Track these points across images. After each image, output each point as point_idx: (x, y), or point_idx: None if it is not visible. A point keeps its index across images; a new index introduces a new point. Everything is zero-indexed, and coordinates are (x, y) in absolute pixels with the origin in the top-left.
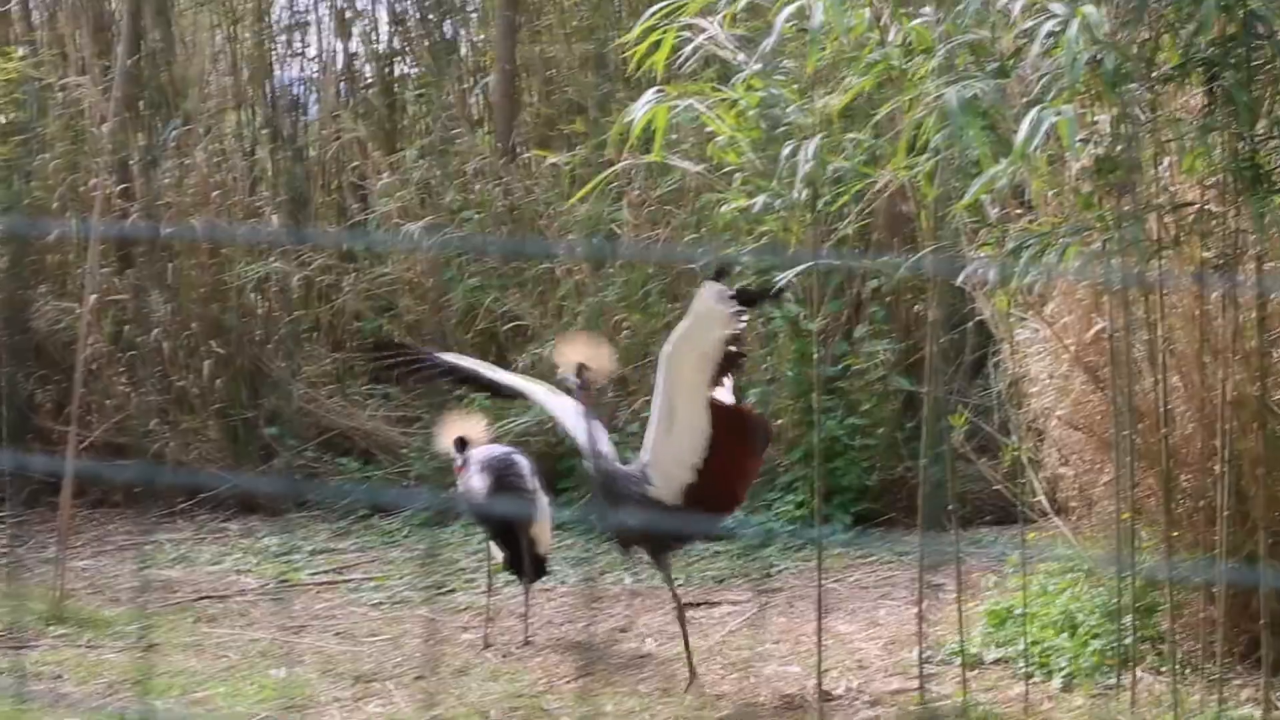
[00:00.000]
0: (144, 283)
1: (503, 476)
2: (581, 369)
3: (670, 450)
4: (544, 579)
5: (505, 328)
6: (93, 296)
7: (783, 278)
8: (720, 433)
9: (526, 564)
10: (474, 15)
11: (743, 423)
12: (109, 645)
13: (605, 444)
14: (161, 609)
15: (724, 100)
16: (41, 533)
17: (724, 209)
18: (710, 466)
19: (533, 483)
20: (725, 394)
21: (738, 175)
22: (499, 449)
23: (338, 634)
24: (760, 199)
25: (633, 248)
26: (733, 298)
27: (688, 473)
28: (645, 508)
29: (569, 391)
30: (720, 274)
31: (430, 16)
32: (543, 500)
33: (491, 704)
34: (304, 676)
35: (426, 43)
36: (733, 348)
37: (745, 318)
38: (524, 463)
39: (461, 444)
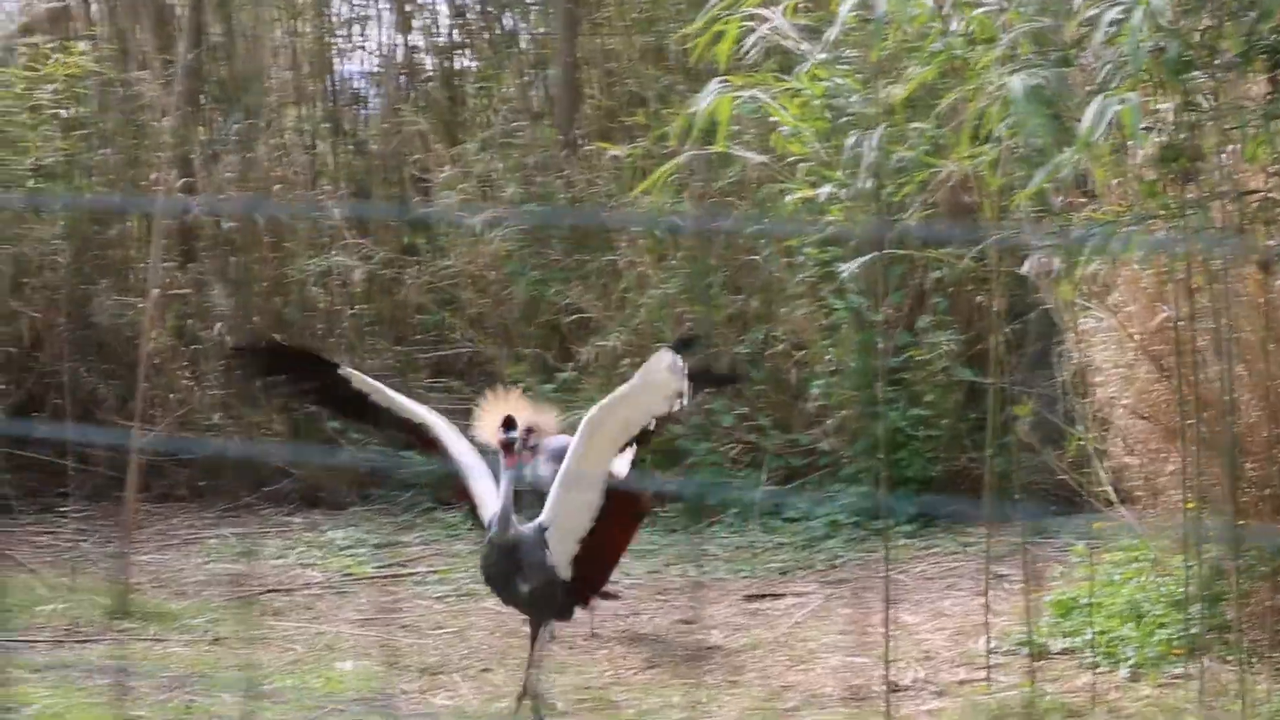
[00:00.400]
0: (207, 277)
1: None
2: (530, 430)
3: (567, 516)
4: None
5: (568, 320)
6: (156, 290)
7: (846, 268)
8: (610, 507)
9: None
10: (534, 8)
11: (631, 503)
12: (175, 639)
13: (510, 503)
14: (227, 603)
15: (787, 90)
16: (106, 527)
17: (788, 199)
18: (592, 541)
19: (553, 563)
20: (624, 463)
21: (801, 165)
22: (570, 440)
23: (404, 627)
24: (825, 189)
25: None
26: (690, 376)
27: (575, 543)
28: (545, 575)
29: (504, 445)
30: (682, 345)
31: (490, 9)
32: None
33: (558, 696)
34: (371, 669)
35: (487, 35)
36: (655, 422)
37: (687, 398)
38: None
39: (510, 424)
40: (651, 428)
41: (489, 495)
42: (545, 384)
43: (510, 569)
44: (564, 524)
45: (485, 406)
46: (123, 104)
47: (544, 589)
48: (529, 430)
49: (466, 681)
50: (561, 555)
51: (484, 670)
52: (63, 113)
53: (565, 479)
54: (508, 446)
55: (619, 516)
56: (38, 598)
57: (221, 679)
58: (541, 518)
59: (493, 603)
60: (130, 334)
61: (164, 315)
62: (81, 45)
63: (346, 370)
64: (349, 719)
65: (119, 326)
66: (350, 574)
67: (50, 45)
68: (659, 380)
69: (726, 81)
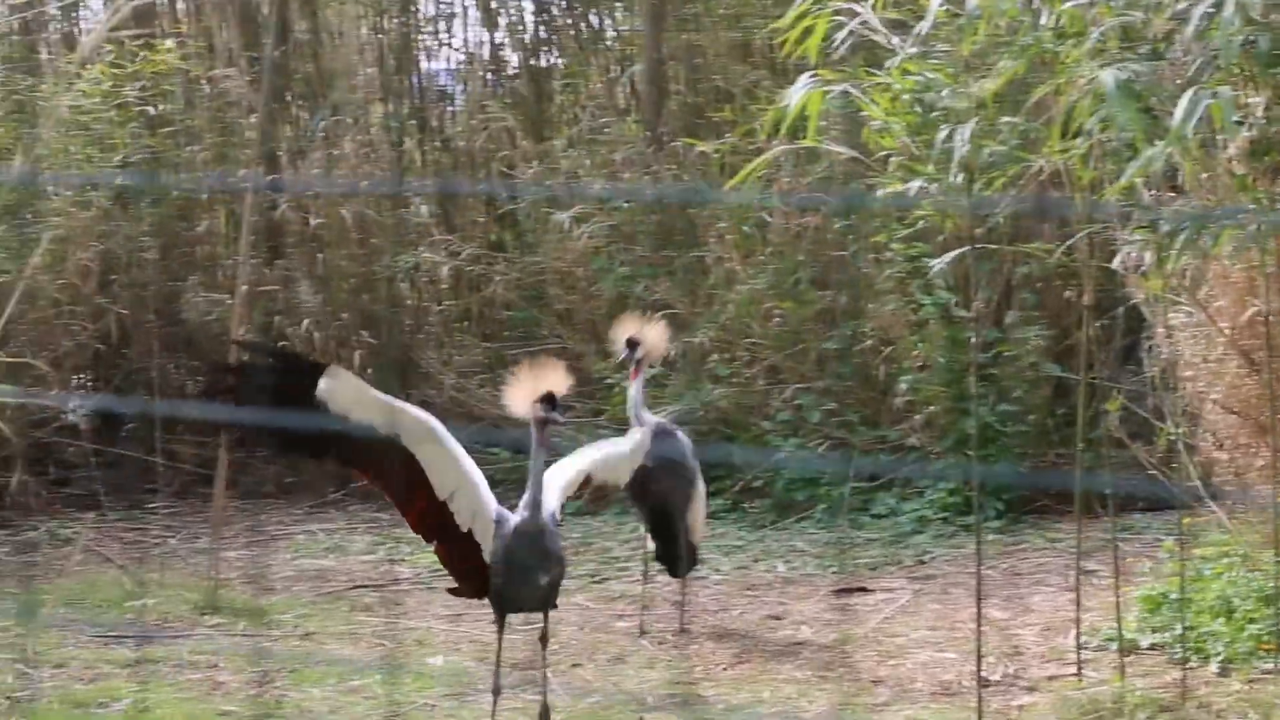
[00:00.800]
0: (294, 273)
1: (665, 455)
2: (632, 342)
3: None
4: (696, 568)
5: (656, 316)
6: (243, 287)
7: (936, 264)
8: None
9: (682, 549)
10: (619, 4)
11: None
12: (264, 634)
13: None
14: (315, 599)
15: (878, 85)
16: (194, 523)
17: (879, 194)
18: None
19: (693, 463)
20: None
21: (892, 160)
22: (663, 421)
23: (493, 622)
24: (915, 183)
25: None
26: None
27: None
28: (561, 565)
29: (624, 363)
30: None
31: (576, 5)
32: (700, 484)
33: (648, 691)
34: (460, 665)
35: (573, 32)
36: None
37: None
38: (687, 441)
39: (633, 343)
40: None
41: (488, 501)
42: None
43: (536, 559)
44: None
45: (519, 378)
46: (209, 101)
47: (558, 580)
48: (632, 341)
49: (556, 677)
50: None
51: (574, 665)
52: (150, 110)
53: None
54: (628, 361)
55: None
56: (127, 593)
57: (311, 674)
58: (552, 507)
59: (581, 598)
60: (218, 330)
61: (251, 312)
62: (168, 43)
63: (332, 373)
64: (438, 715)
65: (207, 323)
66: (439, 570)
67: (137, 43)
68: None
69: (817, 76)
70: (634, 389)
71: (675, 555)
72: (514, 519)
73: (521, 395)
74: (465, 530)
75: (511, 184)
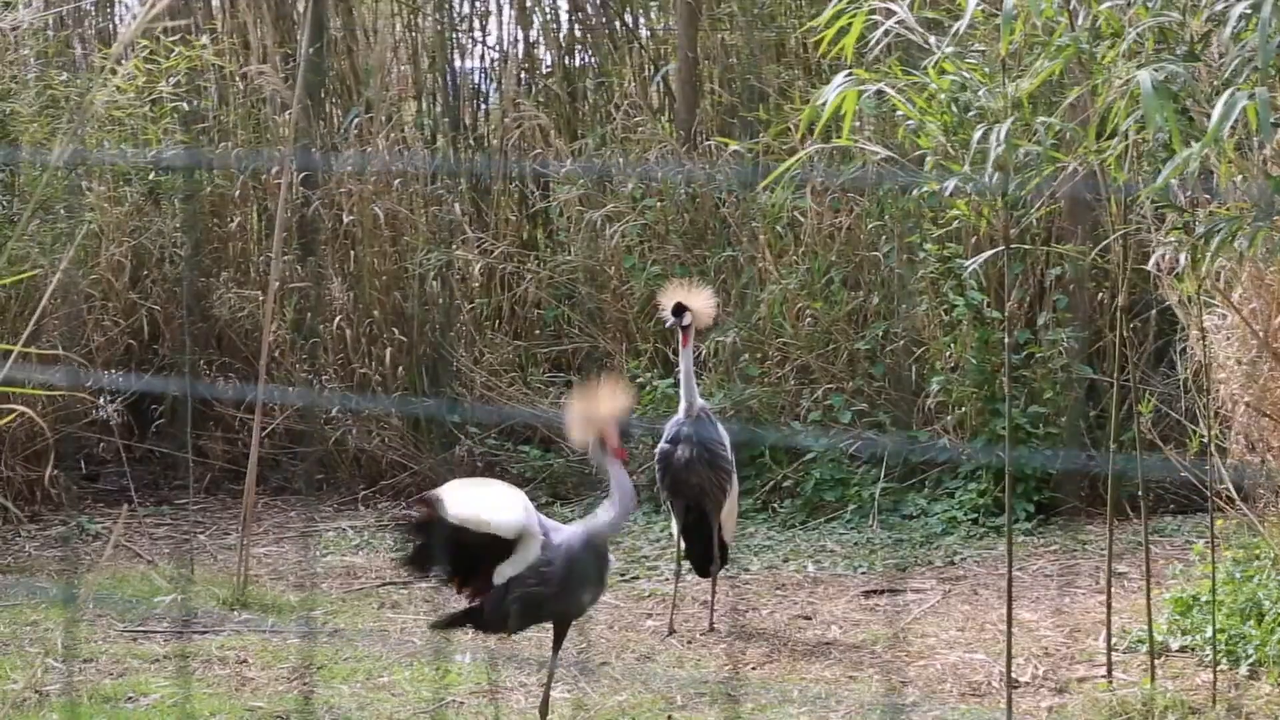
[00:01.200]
0: (326, 270)
1: (705, 441)
2: (680, 307)
3: None
4: (726, 567)
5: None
6: (275, 284)
7: (969, 264)
8: None
9: (714, 549)
10: (654, 3)
11: None
12: (292, 630)
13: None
14: (345, 595)
15: (914, 84)
16: (223, 520)
17: (914, 192)
18: None
19: (730, 457)
20: None
21: (927, 159)
22: (706, 405)
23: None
24: (951, 181)
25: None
26: None
27: None
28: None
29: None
30: None
31: (610, 4)
32: (735, 480)
33: (677, 689)
34: (488, 663)
35: (606, 31)
36: None
37: None
38: (725, 434)
39: (680, 309)
40: None
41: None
42: (663, 379)
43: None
44: None
45: (582, 399)
46: (243, 97)
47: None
48: (680, 306)
49: (584, 675)
50: None
51: (602, 664)
52: (184, 106)
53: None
54: (676, 327)
55: None
56: (156, 589)
57: (339, 670)
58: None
59: (610, 597)
60: (249, 327)
61: (283, 308)
62: (202, 39)
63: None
64: (465, 712)
65: (238, 319)
66: None
67: (171, 38)
68: None
69: (852, 74)
70: (685, 358)
71: (706, 555)
72: (576, 530)
73: (581, 423)
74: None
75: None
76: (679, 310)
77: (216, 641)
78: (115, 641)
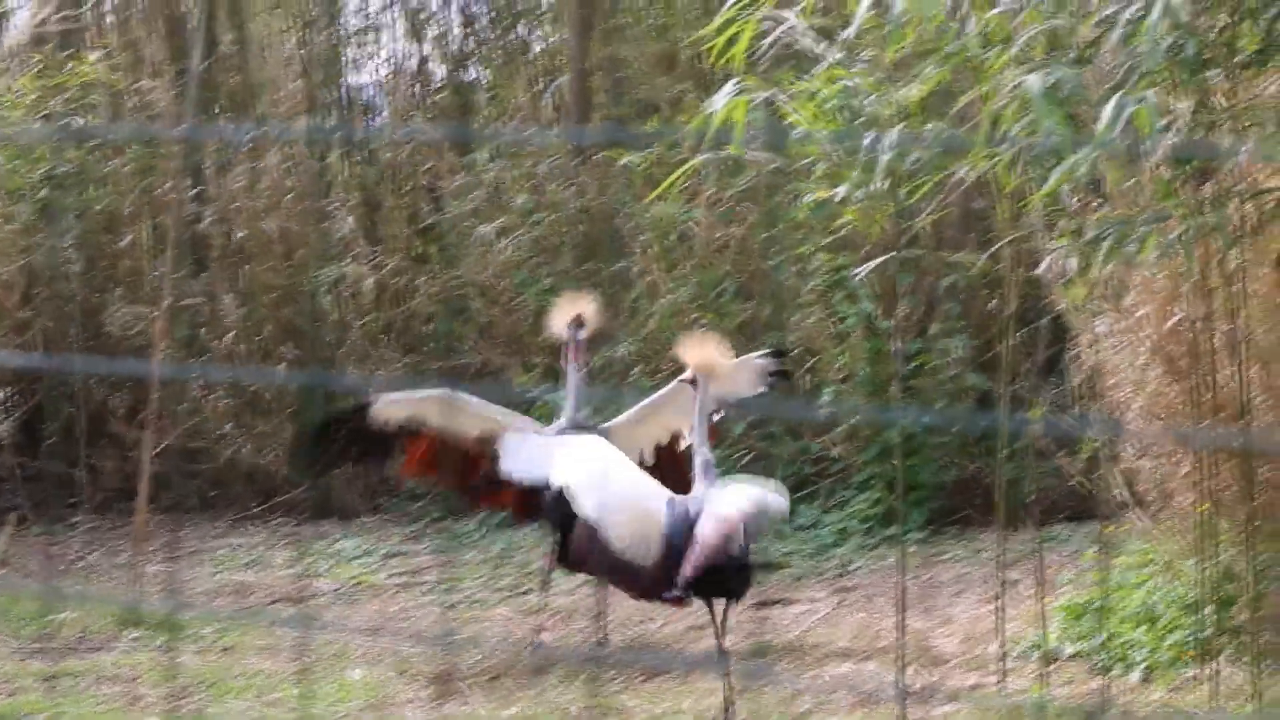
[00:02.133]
0: (217, 287)
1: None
2: (577, 320)
3: None
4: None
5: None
6: (167, 301)
7: (858, 272)
8: None
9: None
10: (546, 16)
11: None
12: (184, 648)
13: None
14: (236, 612)
15: (803, 92)
16: (115, 537)
17: (804, 200)
18: None
19: None
20: None
21: (818, 167)
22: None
23: (413, 635)
24: (841, 189)
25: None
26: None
27: None
28: None
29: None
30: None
31: (503, 18)
32: None
33: (569, 703)
34: (381, 677)
35: (499, 45)
36: None
37: None
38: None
39: (579, 324)
40: None
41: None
42: (555, 392)
43: None
44: None
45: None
46: (134, 113)
47: None
48: (576, 320)
49: (477, 689)
50: None
51: (493, 679)
52: (75, 122)
53: None
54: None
55: None
56: (49, 607)
57: (231, 687)
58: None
59: (504, 610)
60: (141, 344)
61: (174, 325)
62: (94, 55)
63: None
64: None
65: (130, 337)
66: (360, 583)
67: (63, 55)
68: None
69: (742, 83)
70: (573, 372)
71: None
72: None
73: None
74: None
75: None
76: (577, 324)
77: (109, 659)
78: (7, 660)
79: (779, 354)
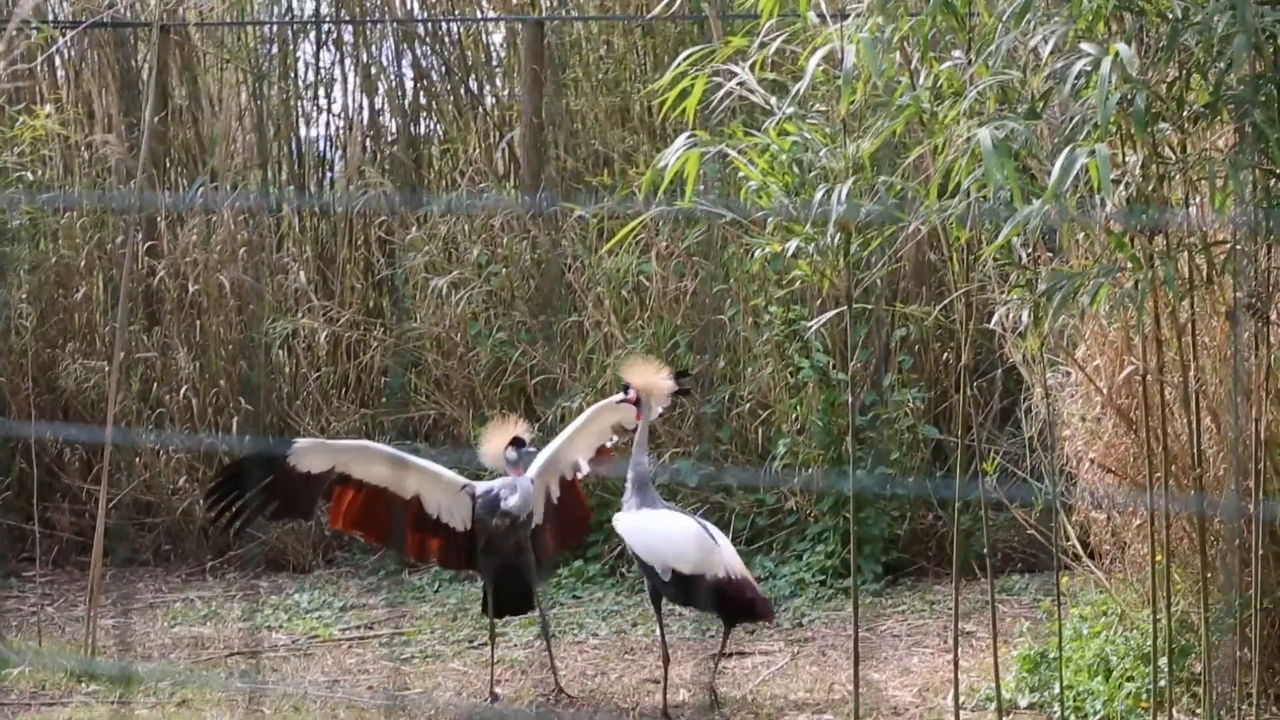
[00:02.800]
0: (171, 340)
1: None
2: (629, 389)
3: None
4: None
5: (534, 381)
6: (121, 354)
7: (812, 325)
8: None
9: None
10: (498, 70)
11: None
12: (140, 701)
13: None
14: (193, 665)
15: (755, 145)
16: (70, 591)
17: (757, 254)
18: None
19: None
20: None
21: (770, 220)
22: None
23: (370, 688)
24: (793, 243)
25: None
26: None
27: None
28: None
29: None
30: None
31: (455, 72)
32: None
33: None
34: None
35: (451, 98)
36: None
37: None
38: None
39: (518, 443)
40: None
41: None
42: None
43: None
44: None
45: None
46: (87, 167)
47: None
48: (628, 388)
49: None
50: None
51: None
52: (27, 176)
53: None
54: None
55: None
56: (3, 661)
57: None
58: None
59: (458, 664)
60: (95, 398)
61: (129, 379)
62: (46, 108)
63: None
64: None
65: (84, 390)
66: (316, 636)
67: (15, 108)
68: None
69: (694, 136)
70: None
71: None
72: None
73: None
74: None
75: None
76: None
77: (64, 714)
78: None
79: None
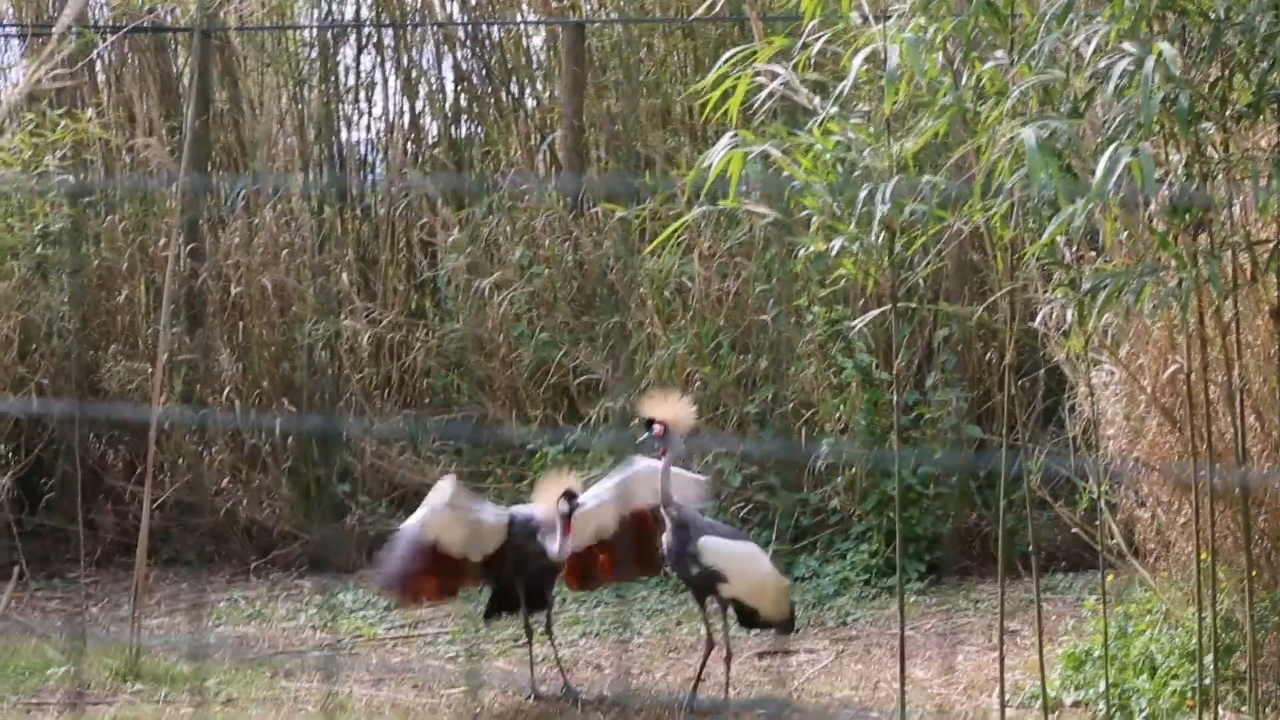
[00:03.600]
0: (214, 342)
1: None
2: (651, 423)
3: None
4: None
5: (576, 382)
6: (164, 356)
7: (856, 324)
8: None
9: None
10: (539, 72)
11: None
12: (185, 700)
13: None
14: (237, 665)
15: (799, 145)
16: (115, 592)
17: (801, 253)
18: None
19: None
20: None
21: (814, 220)
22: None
23: (414, 686)
24: (837, 241)
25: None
26: None
27: None
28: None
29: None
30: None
31: (495, 74)
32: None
33: None
34: None
35: (492, 100)
36: None
37: None
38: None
39: (651, 424)
40: None
41: None
42: (553, 445)
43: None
44: None
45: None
46: (129, 170)
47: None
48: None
49: None
50: None
51: None
52: (69, 179)
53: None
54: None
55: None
56: (48, 661)
57: None
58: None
59: (503, 663)
60: (138, 400)
61: (172, 381)
62: (88, 111)
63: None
64: None
65: (127, 392)
66: (360, 635)
67: (57, 111)
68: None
69: (738, 136)
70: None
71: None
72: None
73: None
74: None
75: None
76: (650, 424)
77: (109, 713)
78: (8, 714)
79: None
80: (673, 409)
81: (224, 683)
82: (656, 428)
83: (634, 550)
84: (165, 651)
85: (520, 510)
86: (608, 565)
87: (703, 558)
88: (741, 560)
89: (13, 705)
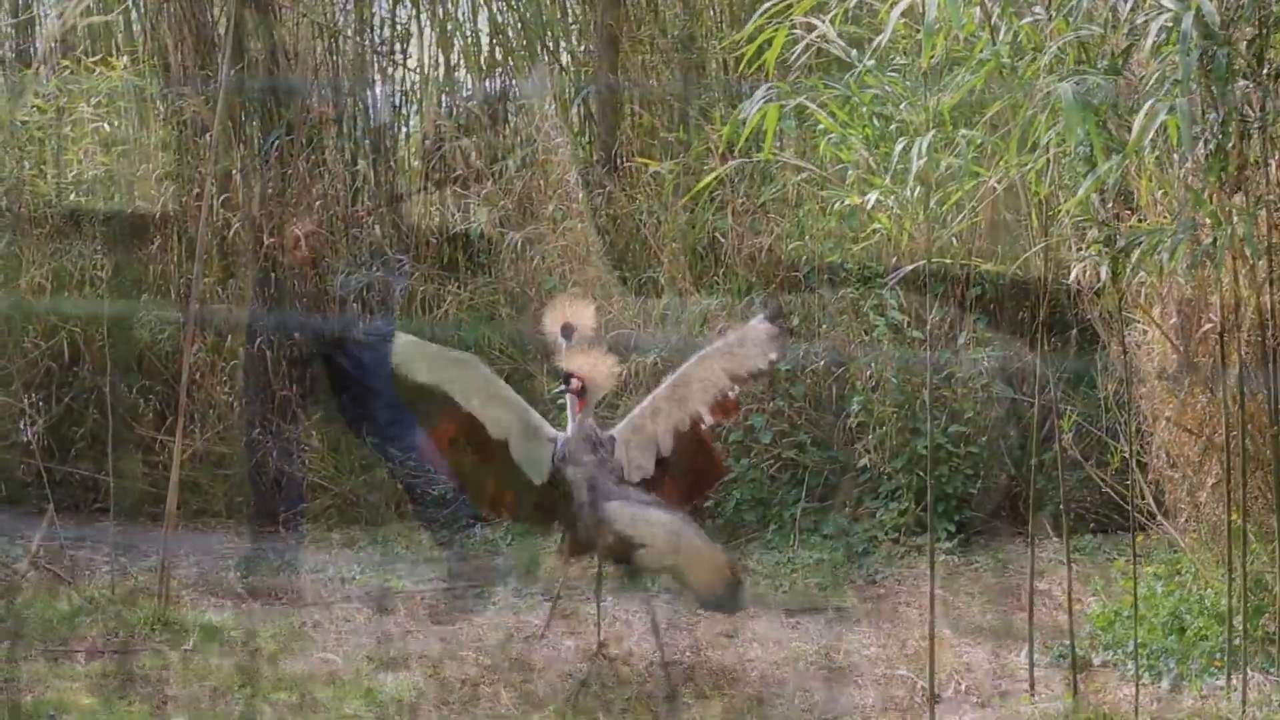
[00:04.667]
0: (246, 292)
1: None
2: (567, 327)
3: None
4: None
5: (608, 336)
6: (196, 306)
7: (891, 278)
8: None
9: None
10: (574, 26)
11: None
12: (212, 650)
13: None
14: (266, 616)
15: (835, 97)
16: (143, 541)
17: (835, 206)
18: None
19: None
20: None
21: (849, 173)
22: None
23: (442, 639)
24: (873, 195)
25: None
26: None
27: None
28: None
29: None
30: (775, 315)
31: (531, 28)
32: None
33: (600, 708)
34: (410, 680)
35: (527, 54)
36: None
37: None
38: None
39: (569, 330)
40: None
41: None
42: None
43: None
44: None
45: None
46: (163, 119)
47: None
48: (566, 327)
49: (508, 691)
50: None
51: (524, 681)
52: (104, 127)
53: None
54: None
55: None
56: (77, 610)
57: (262, 689)
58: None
59: (533, 617)
60: (170, 350)
61: (204, 331)
62: (122, 60)
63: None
64: None
65: (159, 341)
66: (389, 588)
67: (92, 60)
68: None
69: (774, 88)
70: (572, 423)
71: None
72: None
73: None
74: None
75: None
76: (567, 331)
77: (136, 661)
78: (36, 660)
79: (776, 314)
80: (593, 363)
81: (252, 633)
82: (574, 382)
83: (696, 462)
84: (194, 601)
85: (561, 436)
86: (671, 488)
87: (615, 524)
88: (658, 527)
89: (42, 652)
